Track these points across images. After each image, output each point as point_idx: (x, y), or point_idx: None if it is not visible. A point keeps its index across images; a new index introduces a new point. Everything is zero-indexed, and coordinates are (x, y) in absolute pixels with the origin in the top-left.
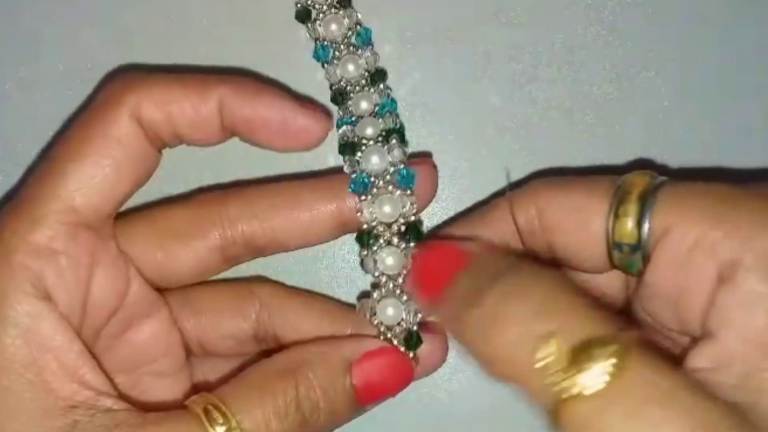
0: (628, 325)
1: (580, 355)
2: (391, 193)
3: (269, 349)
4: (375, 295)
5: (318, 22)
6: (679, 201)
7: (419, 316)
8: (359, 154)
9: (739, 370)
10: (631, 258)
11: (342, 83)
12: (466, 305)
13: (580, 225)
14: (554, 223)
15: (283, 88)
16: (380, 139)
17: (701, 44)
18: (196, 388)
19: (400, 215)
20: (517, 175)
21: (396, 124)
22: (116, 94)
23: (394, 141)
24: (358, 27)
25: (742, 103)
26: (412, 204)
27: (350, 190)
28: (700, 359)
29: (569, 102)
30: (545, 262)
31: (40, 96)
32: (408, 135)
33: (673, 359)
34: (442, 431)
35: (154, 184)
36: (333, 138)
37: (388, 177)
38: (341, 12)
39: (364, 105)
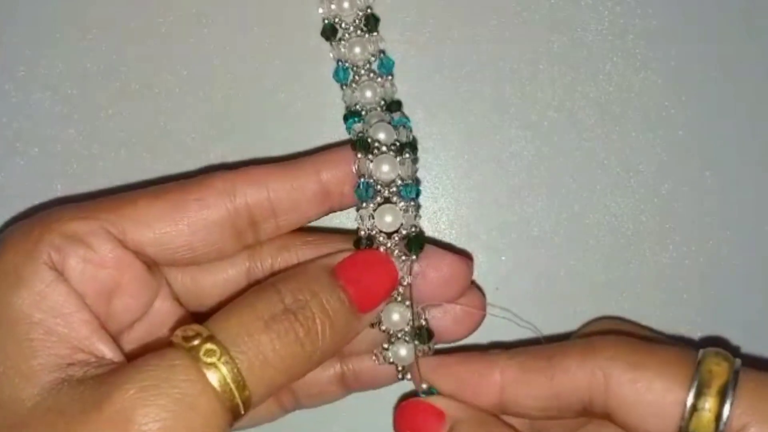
0: None
1: None
2: (395, 203)
3: None
4: None
5: (343, 42)
6: (759, 399)
7: (425, 315)
8: (370, 157)
9: None
10: None
11: (357, 107)
12: None
13: (653, 410)
14: (623, 399)
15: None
16: (393, 149)
17: (701, 44)
18: None
19: (401, 226)
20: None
21: (410, 138)
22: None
23: (407, 155)
24: (382, 55)
25: (743, 103)
26: (415, 215)
27: (355, 195)
28: None
29: (569, 102)
30: None
31: (40, 96)
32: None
33: None
34: None
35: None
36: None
37: (394, 188)
38: (366, 36)
39: (382, 135)
